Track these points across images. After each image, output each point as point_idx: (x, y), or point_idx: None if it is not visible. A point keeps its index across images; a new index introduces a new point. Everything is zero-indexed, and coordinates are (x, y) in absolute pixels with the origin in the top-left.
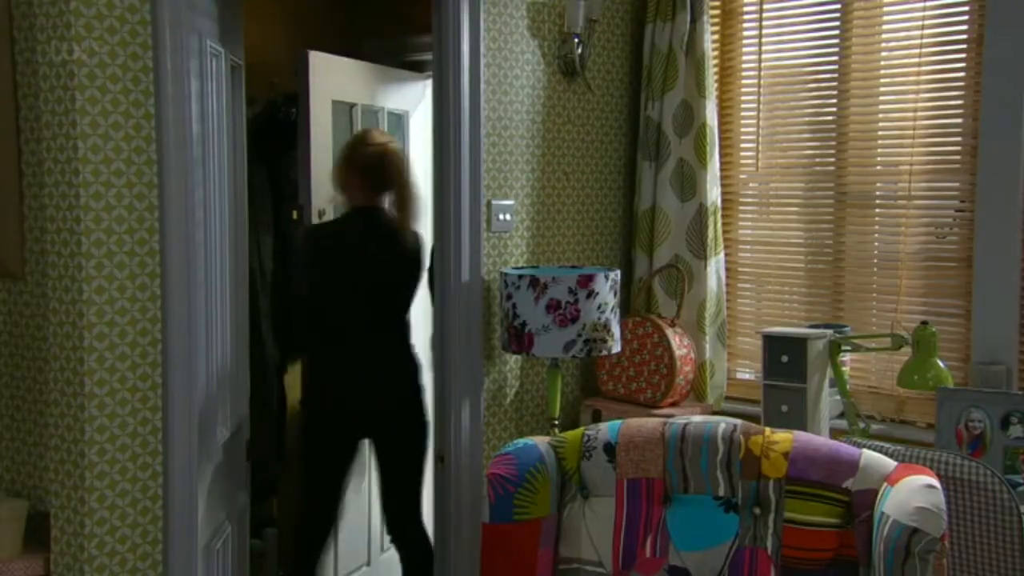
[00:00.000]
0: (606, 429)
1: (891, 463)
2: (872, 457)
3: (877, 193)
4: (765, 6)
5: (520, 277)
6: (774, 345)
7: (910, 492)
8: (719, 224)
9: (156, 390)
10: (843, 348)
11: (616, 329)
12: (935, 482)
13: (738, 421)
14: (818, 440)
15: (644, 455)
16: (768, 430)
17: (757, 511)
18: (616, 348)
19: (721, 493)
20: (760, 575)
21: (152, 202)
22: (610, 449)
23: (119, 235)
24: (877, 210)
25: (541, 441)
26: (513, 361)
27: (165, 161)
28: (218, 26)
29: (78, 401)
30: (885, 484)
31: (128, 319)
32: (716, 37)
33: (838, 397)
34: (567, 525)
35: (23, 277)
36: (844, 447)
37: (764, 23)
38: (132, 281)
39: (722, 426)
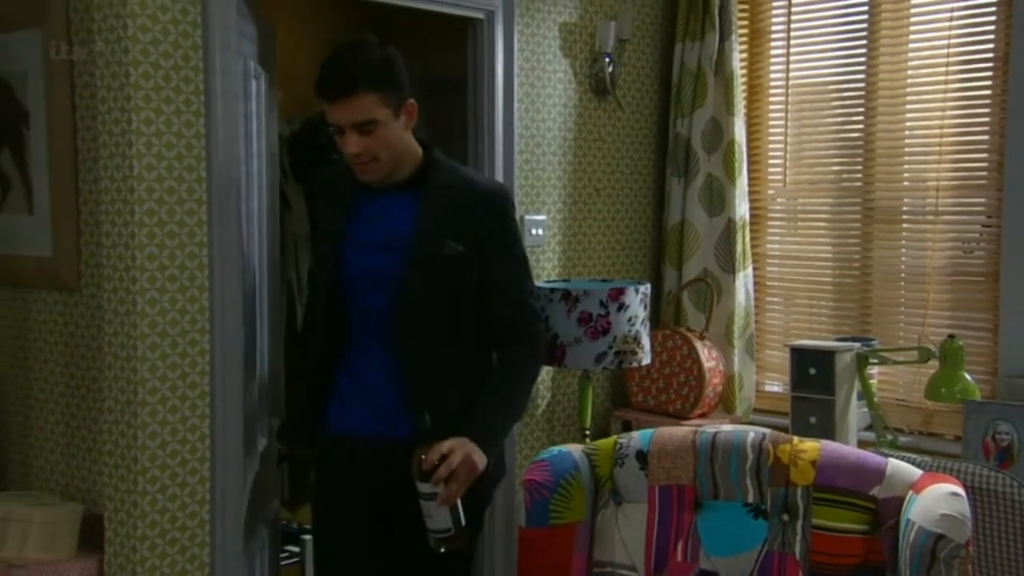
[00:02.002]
0: (638, 437)
1: (917, 471)
2: (898, 466)
3: (904, 208)
4: (793, 25)
5: (552, 290)
6: (802, 357)
7: (935, 499)
8: (747, 239)
9: (204, 398)
10: (870, 361)
11: (646, 341)
12: (960, 490)
13: (767, 430)
14: (845, 449)
15: (675, 462)
16: (796, 439)
17: (786, 517)
18: (646, 360)
19: (750, 500)
20: None
21: (202, 218)
22: (642, 456)
23: (171, 249)
24: (904, 225)
25: (575, 448)
26: (545, 372)
27: (215, 179)
28: (257, 48)
29: (131, 408)
30: (911, 492)
31: (179, 330)
32: (744, 55)
33: (866, 409)
34: (600, 530)
35: (79, 289)
36: (871, 456)
37: (792, 41)
38: (183, 294)
39: (751, 435)
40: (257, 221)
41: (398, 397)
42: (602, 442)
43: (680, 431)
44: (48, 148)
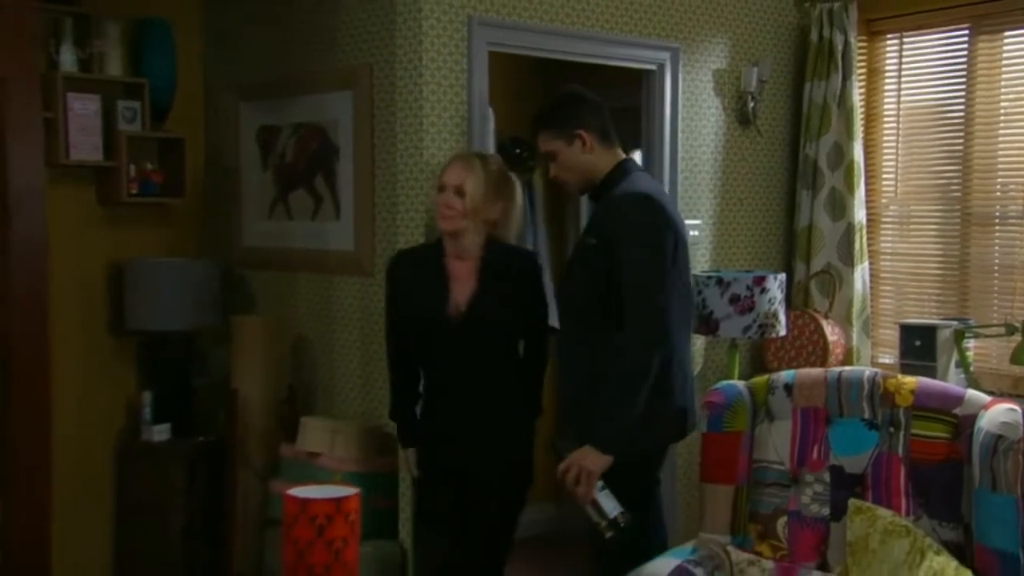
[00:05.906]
0: (784, 375)
1: (987, 397)
2: (974, 393)
3: (997, 213)
4: (903, 64)
5: (709, 278)
6: (909, 332)
7: (998, 413)
8: (864, 239)
9: None
10: (965, 335)
11: (783, 317)
12: (1016, 407)
13: (878, 369)
14: (935, 382)
15: (812, 392)
16: (900, 375)
17: (892, 429)
18: (783, 332)
19: (866, 416)
20: (894, 471)
21: None
22: (788, 387)
23: None
24: (997, 227)
25: (739, 383)
26: (701, 341)
27: None
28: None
29: None
30: (982, 410)
31: None
32: (862, 90)
33: (963, 375)
34: (758, 438)
35: (372, 275)
36: (954, 387)
37: (903, 77)
38: None
39: (867, 372)
40: None
41: None
42: (758, 379)
43: (815, 370)
44: (353, 174)
